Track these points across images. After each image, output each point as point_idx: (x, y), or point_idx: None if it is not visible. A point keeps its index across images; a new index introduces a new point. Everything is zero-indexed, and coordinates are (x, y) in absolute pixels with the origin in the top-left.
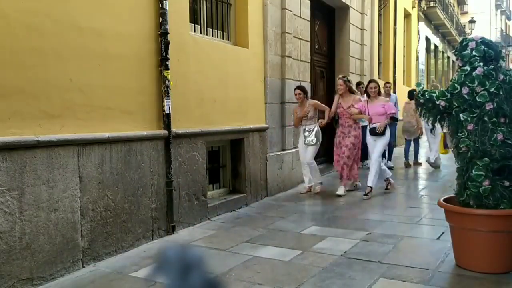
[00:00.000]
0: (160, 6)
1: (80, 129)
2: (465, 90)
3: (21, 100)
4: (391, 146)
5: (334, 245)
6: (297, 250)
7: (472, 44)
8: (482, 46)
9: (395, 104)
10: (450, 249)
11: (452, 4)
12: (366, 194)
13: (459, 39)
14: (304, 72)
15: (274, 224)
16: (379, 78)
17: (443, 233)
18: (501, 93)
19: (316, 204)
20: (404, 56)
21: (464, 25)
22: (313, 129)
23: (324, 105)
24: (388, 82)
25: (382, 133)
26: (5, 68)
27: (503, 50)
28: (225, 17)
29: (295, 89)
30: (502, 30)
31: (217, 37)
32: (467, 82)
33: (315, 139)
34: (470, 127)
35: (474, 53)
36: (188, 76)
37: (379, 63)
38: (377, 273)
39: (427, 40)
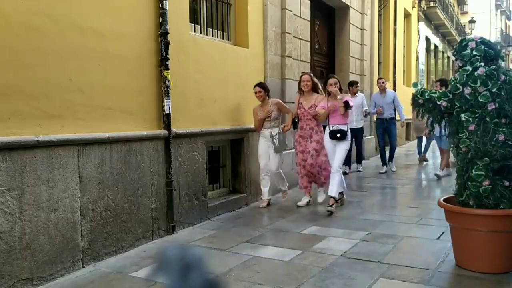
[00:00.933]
0: (160, 6)
1: (80, 129)
2: (467, 90)
3: (21, 100)
4: (393, 147)
5: (334, 245)
6: (297, 250)
7: (472, 44)
8: (482, 46)
9: (393, 102)
10: (450, 249)
11: (452, 4)
12: (330, 206)
13: (459, 39)
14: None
15: (274, 224)
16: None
17: (443, 233)
18: (502, 93)
19: (316, 204)
20: (404, 56)
21: (464, 25)
22: (277, 133)
23: (288, 107)
24: (381, 78)
25: (343, 137)
26: (5, 68)
27: (503, 50)
28: (225, 17)
29: (255, 86)
30: (502, 30)
31: (217, 37)
32: (469, 82)
33: (283, 144)
34: (472, 127)
35: (474, 52)
36: (188, 76)
37: (379, 63)
38: (377, 273)
39: (427, 40)
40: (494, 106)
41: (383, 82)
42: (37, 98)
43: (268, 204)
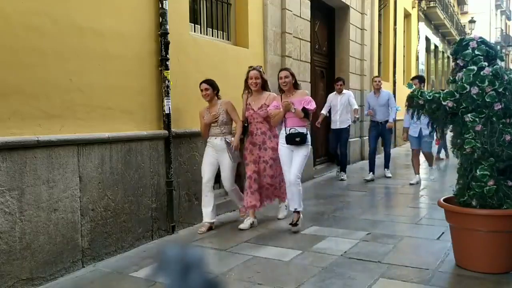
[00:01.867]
0: (160, 6)
1: (80, 129)
2: (474, 90)
3: (21, 100)
4: (387, 153)
5: (334, 245)
6: (297, 250)
7: (473, 44)
8: (483, 46)
9: (388, 102)
10: (450, 249)
11: (452, 4)
12: (295, 224)
13: (458, 39)
14: (304, 72)
15: (274, 224)
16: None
17: (443, 233)
18: (507, 93)
19: (316, 204)
20: (404, 56)
21: (464, 25)
22: (226, 141)
23: (237, 114)
24: (377, 76)
25: (303, 142)
26: (5, 68)
27: (503, 50)
28: (225, 17)
29: (201, 83)
30: (502, 30)
31: (217, 37)
32: (476, 82)
33: (238, 154)
34: (478, 128)
35: (476, 52)
36: (188, 76)
37: (379, 63)
38: (377, 273)
39: (427, 40)
40: (500, 106)
41: (379, 81)
42: (37, 98)
43: (210, 229)
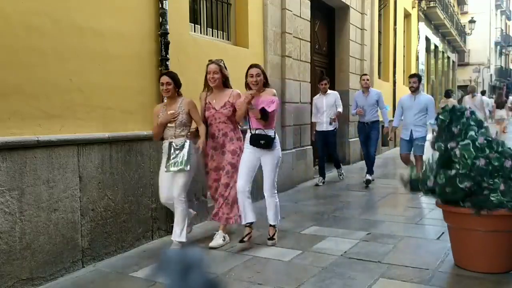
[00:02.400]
0: (160, 6)
1: (80, 129)
2: (482, 162)
3: (21, 100)
4: (371, 155)
5: (334, 245)
6: (297, 250)
7: (467, 113)
8: (473, 115)
9: (377, 103)
10: (450, 249)
11: (452, 4)
12: (271, 238)
13: (459, 39)
14: (304, 72)
15: None
16: (379, 78)
17: (443, 233)
18: (505, 148)
19: (316, 204)
20: (404, 56)
21: (464, 25)
22: (184, 145)
23: (199, 116)
24: (365, 74)
25: (268, 146)
26: (5, 68)
27: (503, 50)
28: (225, 17)
29: (162, 75)
30: (502, 30)
31: (217, 37)
32: (479, 154)
33: (187, 161)
34: (502, 187)
35: (470, 122)
36: (188, 76)
37: (379, 63)
38: (377, 273)
39: (427, 40)
40: (510, 162)
41: (367, 80)
42: (37, 98)
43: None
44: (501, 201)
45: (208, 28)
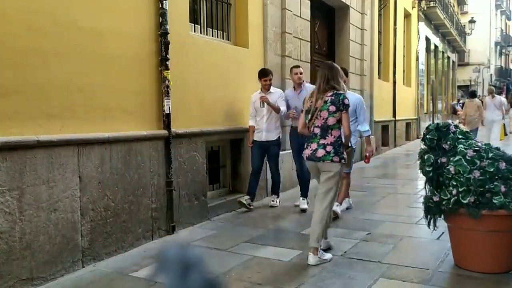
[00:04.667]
0: (160, 6)
1: (80, 129)
2: (477, 174)
3: (21, 100)
4: (304, 175)
5: (334, 245)
6: (297, 250)
7: (452, 128)
8: (458, 129)
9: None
10: (450, 249)
11: (452, 4)
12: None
13: (459, 39)
14: (304, 72)
15: (274, 224)
16: (379, 78)
17: (443, 233)
18: (497, 152)
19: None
20: (404, 56)
21: (464, 25)
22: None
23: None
24: (296, 66)
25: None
26: (5, 68)
27: (503, 50)
28: (225, 17)
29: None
30: (502, 30)
31: (217, 37)
32: (472, 168)
33: None
34: (503, 189)
35: (458, 135)
36: (188, 76)
37: (379, 63)
38: (377, 273)
39: (427, 40)
40: (504, 164)
41: (301, 73)
42: (37, 98)
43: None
44: (504, 203)
45: (208, 28)
